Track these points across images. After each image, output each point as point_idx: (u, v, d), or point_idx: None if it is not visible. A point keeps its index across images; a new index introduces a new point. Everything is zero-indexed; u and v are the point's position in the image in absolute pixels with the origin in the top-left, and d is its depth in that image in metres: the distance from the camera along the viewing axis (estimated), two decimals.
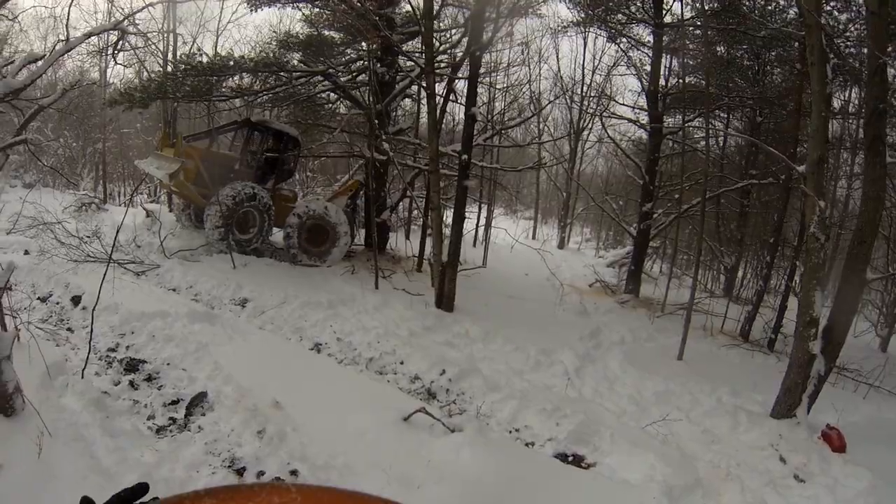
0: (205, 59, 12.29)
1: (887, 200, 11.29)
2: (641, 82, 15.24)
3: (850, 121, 14.29)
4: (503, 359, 7.85)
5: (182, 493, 1.08)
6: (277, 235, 12.73)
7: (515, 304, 10.97)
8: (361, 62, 14.04)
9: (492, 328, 8.83)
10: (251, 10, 13.83)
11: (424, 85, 10.89)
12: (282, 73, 12.92)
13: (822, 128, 6.85)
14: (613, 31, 15.10)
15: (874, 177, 6.52)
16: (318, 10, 14.27)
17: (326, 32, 14.39)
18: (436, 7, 11.84)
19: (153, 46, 17.14)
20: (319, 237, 11.80)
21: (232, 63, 11.97)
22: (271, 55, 12.63)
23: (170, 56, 18.68)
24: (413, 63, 13.04)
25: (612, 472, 5.18)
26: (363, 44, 13.08)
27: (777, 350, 10.59)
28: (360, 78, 14.09)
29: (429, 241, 11.86)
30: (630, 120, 16.03)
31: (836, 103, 13.53)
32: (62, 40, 9.82)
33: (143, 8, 14.11)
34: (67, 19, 10.06)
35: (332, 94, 14.64)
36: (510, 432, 5.87)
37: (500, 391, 6.46)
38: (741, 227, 15.50)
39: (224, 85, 13.04)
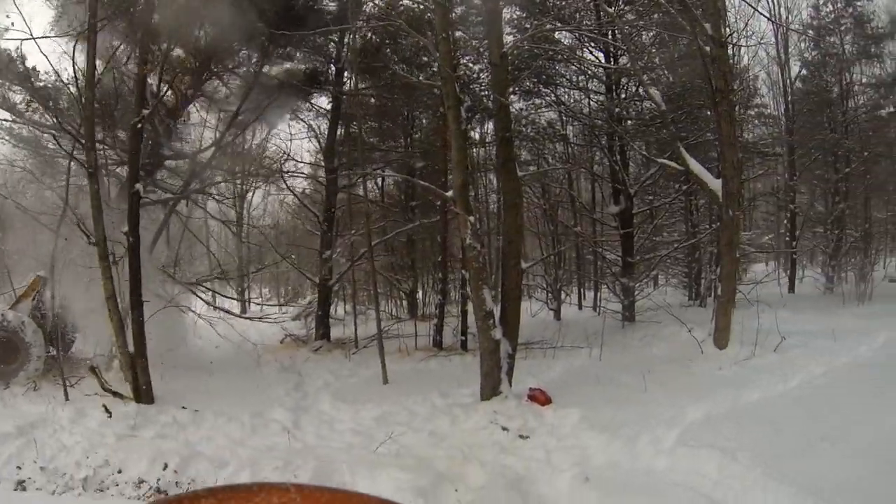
0: None
1: (529, 203, 13.89)
2: (320, 143, 15.97)
3: (491, 147, 17.06)
4: (220, 433, 7.55)
5: (181, 493, 1.00)
6: None
7: (214, 379, 10.47)
8: None
9: (199, 407, 8.44)
10: None
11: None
12: None
13: (461, 158, 8.29)
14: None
15: (510, 189, 8.17)
16: None
17: None
18: None
19: None
20: (8, 355, 10.02)
21: None
22: None
23: None
24: None
25: None
26: None
27: (470, 349, 12.08)
28: None
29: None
30: (309, 176, 16.55)
31: (477, 135, 16.14)
32: None
33: None
34: None
35: None
36: None
37: (229, 465, 6.26)
38: (411, 253, 17.31)
39: None
